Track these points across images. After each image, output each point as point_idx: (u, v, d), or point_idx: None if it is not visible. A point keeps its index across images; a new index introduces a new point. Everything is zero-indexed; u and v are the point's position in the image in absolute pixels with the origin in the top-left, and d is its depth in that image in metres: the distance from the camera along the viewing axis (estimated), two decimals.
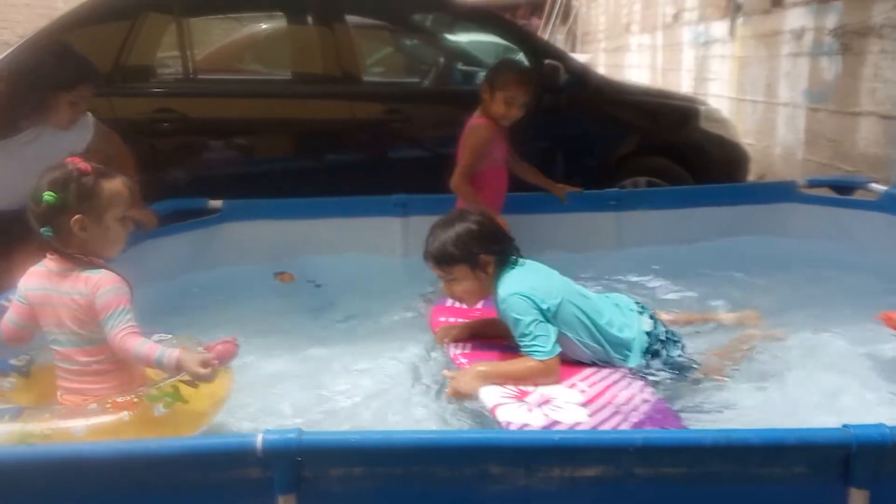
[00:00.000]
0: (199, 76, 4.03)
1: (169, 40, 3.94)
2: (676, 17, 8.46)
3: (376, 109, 3.94)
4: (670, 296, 2.81)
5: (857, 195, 3.27)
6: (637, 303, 2.18)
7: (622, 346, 2.01)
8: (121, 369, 1.77)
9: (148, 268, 2.61)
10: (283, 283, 3.06)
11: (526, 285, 1.97)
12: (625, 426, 1.64)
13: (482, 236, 2.01)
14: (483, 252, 2.00)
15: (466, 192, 2.81)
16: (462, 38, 5.16)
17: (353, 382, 2.08)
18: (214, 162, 3.85)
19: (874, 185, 3.14)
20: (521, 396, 1.81)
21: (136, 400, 1.65)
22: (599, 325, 2.00)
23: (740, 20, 6.49)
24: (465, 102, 4.04)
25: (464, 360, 2.04)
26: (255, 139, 3.95)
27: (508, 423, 1.66)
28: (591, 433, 1.28)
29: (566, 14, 12.85)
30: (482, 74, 4.54)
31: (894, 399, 1.93)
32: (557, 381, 1.88)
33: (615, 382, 1.92)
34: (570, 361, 1.99)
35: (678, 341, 2.11)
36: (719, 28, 7.00)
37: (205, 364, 1.65)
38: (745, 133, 5.77)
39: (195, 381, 1.66)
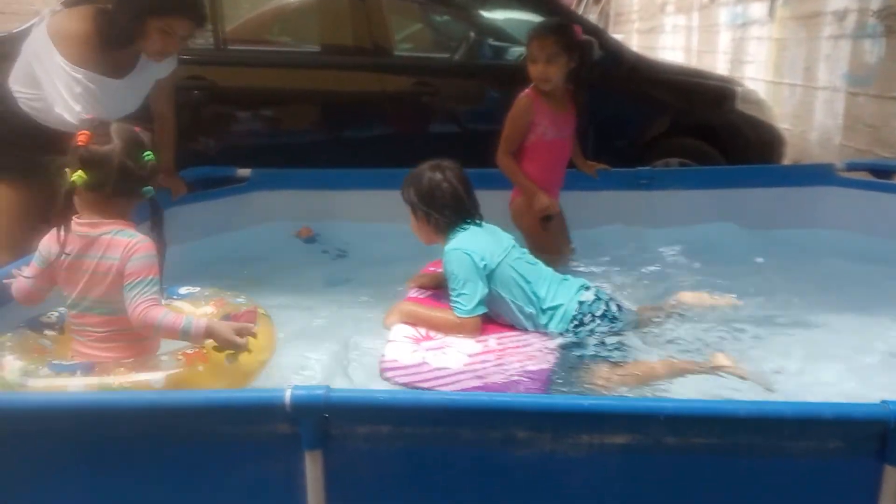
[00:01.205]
0: (230, 46, 4.03)
1: None
2: None
3: (406, 82, 3.92)
4: (689, 278, 2.74)
5: None
6: (587, 286, 2.17)
7: (552, 310, 2.09)
8: (140, 339, 1.76)
9: (175, 234, 2.62)
10: (303, 240, 3.09)
11: (470, 244, 2.12)
12: (479, 382, 1.79)
13: (429, 195, 2.19)
14: (424, 209, 2.19)
15: (505, 165, 2.73)
16: (495, 14, 5.09)
17: (380, 344, 2.07)
18: (243, 131, 3.86)
19: None
20: (420, 340, 2.00)
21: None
22: (535, 290, 2.11)
23: (780, 1, 6.32)
24: (495, 77, 4.04)
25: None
26: (285, 109, 3.95)
27: (383, 357, 1.90)
28: (622, 400, 1.26)
29: None
30: (513, 50, 4.55)
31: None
32: (472, 338, 2.04)
33: (522, 346, 1.99)
34: (503, 324, 2.13)
35: (615, 323, 2.07)
36: (758, 9, 6.83)
37: (241, 332, 1.66)
38: (781, 117, 5.63)
39: (227, 348, 1.65)
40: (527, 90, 2.76)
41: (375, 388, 1.74)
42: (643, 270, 2.82)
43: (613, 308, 2.12)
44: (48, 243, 1.76)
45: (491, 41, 4.56)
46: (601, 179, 3.24)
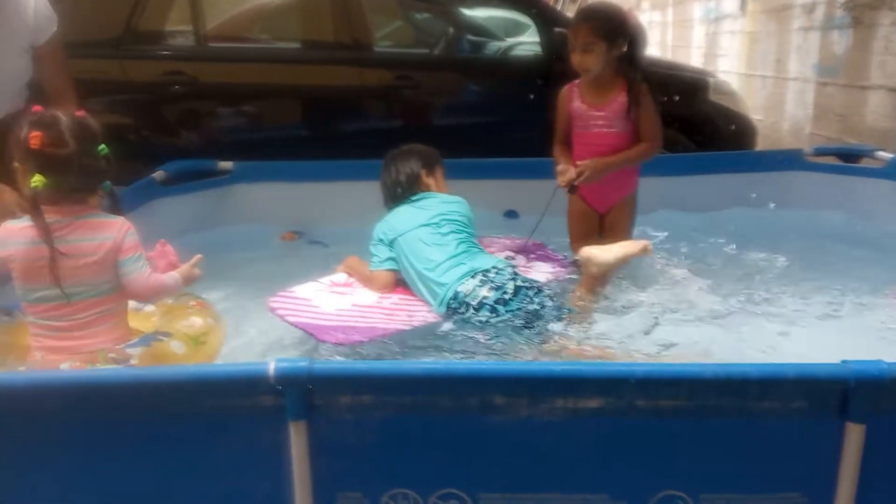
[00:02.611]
0: (210, 43, 4.05)
1: (179, 9, 3.97)
2: None
3: (386, 77, 3.96)
4: (663, 261, 2.81)
5: (864, 164, 3.28)
6: (475, 272, 2.19)
7: (439, 287, 2.22)
8: (120, 323, 1.79)
9: (157, 225, 2.64)
10: (287, 242, 3.11)
11: (385, 219, 2.43)
12: (326, 323, 2.06)
13: (382, 181, 2.55)
14: (383, 192, 2.56)
15: (554, 155, 2.74)
16: (476, 12, 5.14)
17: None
18: (224, 125, 3.88)
19: (881, 153, 3.15)
20: (338, 284, 2.37)
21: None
22: (419, 269, 2.26)
23: None
24: (474, 71, 4.09)
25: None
26: (266, 104, 3.97)
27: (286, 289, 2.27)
28: (595, 365, 1.30)
29: None
30: (491, 45, 4.61)
31: None
32: (380, 291, 2.32)
33: (402, 309, 2.22)
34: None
35: (498, 313, 2.11)
36: (730, 4, 6.96)
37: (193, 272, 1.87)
38: (753, 109, 5.74)
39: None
40: (573, 81, 2.67)
41: (356, 360, 1.78)
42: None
43: (508, 294, 2.12)
44: (6, 237, 1.72)
45: (470, 37, 4.63)
46: None
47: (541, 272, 2.53)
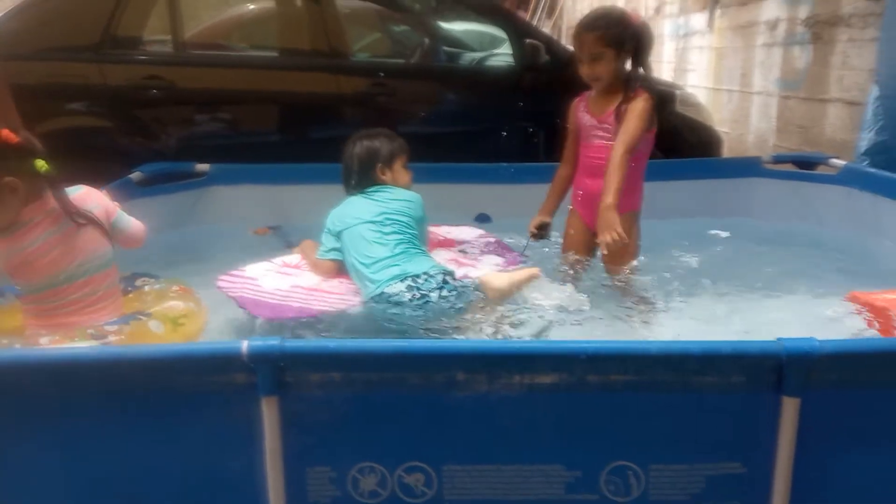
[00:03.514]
0: (189, 50, 4.11)
1: (158, 16, 4.04)
2: (658, 9, 8.61)
3: (362, 84, 4.06)
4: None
5: (820, 171, 3.42)
6: (415, 276, 2.26)
7: (367, 287, 2.32)
8: (118, 297, 1.89)
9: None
10: (259, 237, 3.18)
11: (337, 209, 2.52)
12: (264, 299, 2.25)
13: (343, 158, 2.60)
14: None
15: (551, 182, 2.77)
16: (453, 25, 5.27)
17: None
18: (201, 130, 3.94)
19: (835, 161, 3.29)
20: (287, 265, 2.54)
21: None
22: (356, 263, 2.37)
23: (718, 12, 6.66)
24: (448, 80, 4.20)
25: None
26: (242, 109, 4.05)
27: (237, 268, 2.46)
28: (549, 343, 1.39)
29: (552, 7, 12.98)
30: (466, 55, 4.73)
31: None
32: (322, 276, 2.46)
33: (333, 294, 2.37)
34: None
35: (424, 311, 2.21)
36: (698, 20, 7.17)
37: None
38: (720, 122, 5.93)
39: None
40: (583, 93, 2.62)
41: (326, 338, 1.85)
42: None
43: (432, 301, 2.21)
44: (18, 241, 1.77)
45: (445, 47, 4.76)
46: (545, 173, 3.39)
47: (487, 265, 2.62)
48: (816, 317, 2.32)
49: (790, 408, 1.38)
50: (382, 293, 2.25)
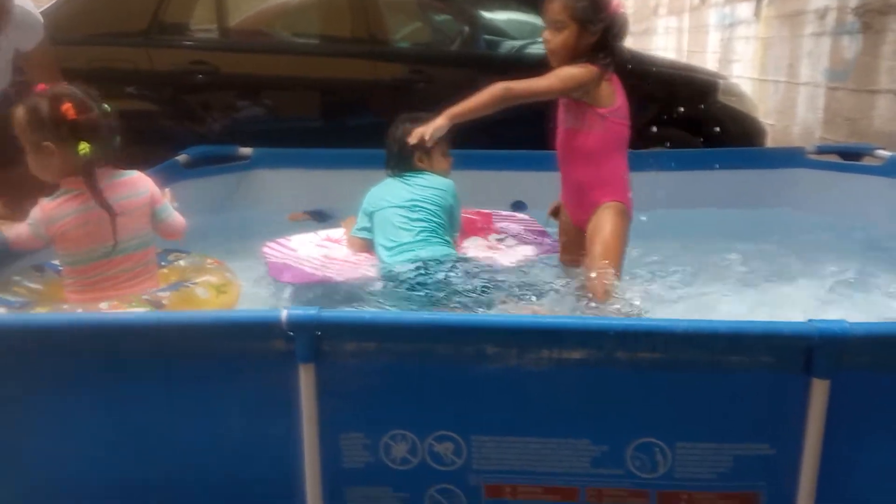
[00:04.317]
0: (233, 37, 4.22)
1: (204, 6, 4.15)
2: None
3: (401, 71, 4.11)
4: (664, 253, 2.89)
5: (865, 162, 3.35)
6: (427, 260, 2.33)
7: (383, 264, 2.44)
8: (155, 272, 1.97)
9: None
10: (295, 222, 3.25)
11: (374, 190, 2.61)
12: (295, 266, 2.44)
13: (386, 140, 2.67)
14: None
15: None
16: (496, 14, 5.29)
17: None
18: (243, 115, 4.04)
19: (880, 152, 3.22)
20: (330, 239, 2.72)
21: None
22: (380, 243, 2.49)
23: (766, 1, 6.53)
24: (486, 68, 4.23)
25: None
26: (284, 95, 4.13)
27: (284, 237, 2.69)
28: (578, 319, 1.41)
29: None
30: (506, 44, 4.74)
31: None
32: (355, 252, 2.58)
33: (361, 266, 2.50)
34: None
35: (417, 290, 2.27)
36: (745, 9, 7.04)
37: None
38: (765, 113, 5.83)
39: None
40: None
41: (363, 310, 1.91)
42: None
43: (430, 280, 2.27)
44: (53, 211, 1.85)
45: (485, 36, 4.77)
46: None
47: (517, 254, 2.66)
48: (852, 306, 2.29)
49: (820, 390, 1.38)
50: (391, 272, 2.36)
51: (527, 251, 2.71)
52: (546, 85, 2.25)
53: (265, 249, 2.60)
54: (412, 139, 2.33)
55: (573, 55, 2.25)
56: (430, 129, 2.27)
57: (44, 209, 1.86)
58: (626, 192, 2.37)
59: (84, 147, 1.80)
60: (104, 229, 1.84)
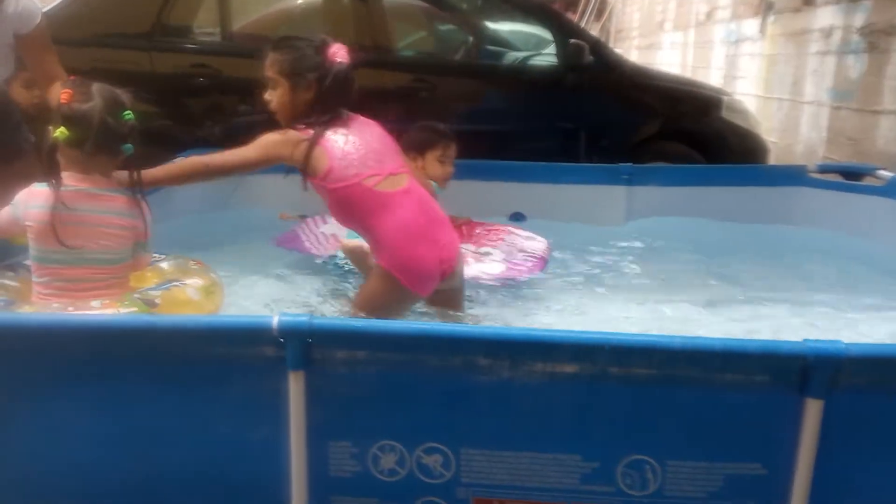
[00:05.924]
0: (236, 41, 4.22)
1: (207, 10, 4.16)
2: (709, 14, 8.49)
3: (404, 79, 4.11)
4: (665, 268, 2.89)
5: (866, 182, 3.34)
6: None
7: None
8: (123, 285, 1.91)
9: (173, 205, 2.83)
10: (285, 220, 3.25)
11: None
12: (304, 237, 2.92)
13: None
14: None
15: None
16: (501, 26, 5.31)
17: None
18: (244, 119, 4.04)
19: (882, 172, 3.21)
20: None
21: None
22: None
23: (771, 18, 6.53)
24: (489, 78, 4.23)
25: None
26: None
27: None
28: (572, 332, 1.40)
29: (601, 10, 12.89)
30: (510, 55, 4.75)
31: None
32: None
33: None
34: None
35: None
36: (750, 26, 7.04)
37: None
38: (769, 131, 5.82)
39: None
40: None
41: (353, 318, 1.89)
42: (621, 262, 2.99)
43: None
44: (30, 198, 1.82)
45: (489, 46, 4.79)
46: (585, 174, 3.43)
47: (487, 269, 2.69)
48: (847, 327, 2.28)
49: (814, 410, 1.37)
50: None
51: (497, 269, 2.70)
52: (240, 159, 2.13)
53: (280, 234, 2.93)
54: None
55: (293, 114, 2.12)
56: None
57: (26, 192, 1.83)
58: (395, 253, 2.10)
59: (60, 132, 1.76)
60: (80, 235, 1.80)
